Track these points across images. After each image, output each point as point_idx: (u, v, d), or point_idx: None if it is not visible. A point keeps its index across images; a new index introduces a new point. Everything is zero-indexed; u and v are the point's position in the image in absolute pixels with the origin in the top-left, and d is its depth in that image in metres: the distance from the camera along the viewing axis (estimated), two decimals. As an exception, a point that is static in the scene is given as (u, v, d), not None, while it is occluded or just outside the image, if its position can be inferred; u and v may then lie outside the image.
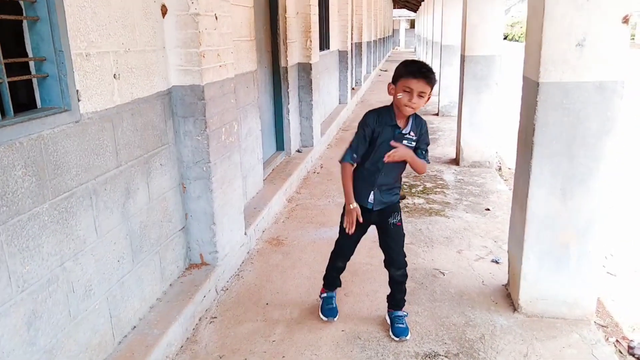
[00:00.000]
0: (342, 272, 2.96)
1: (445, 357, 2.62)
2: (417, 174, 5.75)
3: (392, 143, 2.46)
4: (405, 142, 2.51)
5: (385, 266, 2.80)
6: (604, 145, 2.63)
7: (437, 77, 2.48)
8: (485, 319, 2.93)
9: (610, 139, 2.62)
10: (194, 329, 2.87)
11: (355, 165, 2.60)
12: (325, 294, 3.00)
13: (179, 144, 3.05)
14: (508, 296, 3.16)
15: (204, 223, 3.19)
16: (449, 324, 2.89)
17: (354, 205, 2.58)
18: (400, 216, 2.72)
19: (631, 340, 2.75)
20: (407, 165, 2.58)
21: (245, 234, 3.77)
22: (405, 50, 45.98)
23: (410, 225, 4.36)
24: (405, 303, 2.87)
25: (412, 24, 51.00)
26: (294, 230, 4.30)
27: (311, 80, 6.43)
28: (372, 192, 2.61)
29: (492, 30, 5.86)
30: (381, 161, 2.51)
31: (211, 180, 3.11)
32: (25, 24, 1.98)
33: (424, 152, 2.59)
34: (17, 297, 1.83)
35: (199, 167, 3.08)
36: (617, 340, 2.77)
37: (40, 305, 1.94)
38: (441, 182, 5.64)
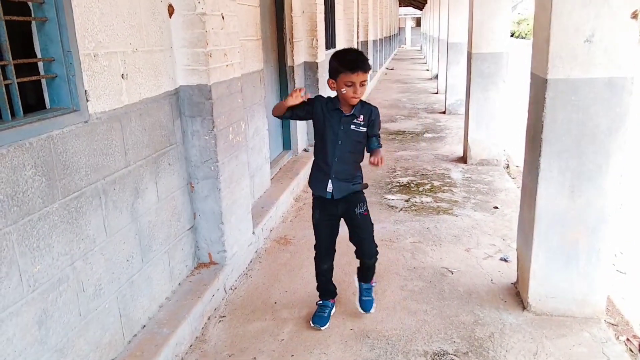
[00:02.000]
0: (330, 275, 2.97)
1: (455, 355, 2.61)
2: (422, 173, 5.78)
3: (371, 160, 2.52)
4: (352, 126, 2.57)
5: (358, 257, 2.88)
6: (613, 142, 2.61)
7: (370, 64, 2.59)
8: (495, 318, 2.92)
9: (620, 136, 2.60)
10: (203, 328, 2.88)
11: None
12: (320, 302, 2.99)
13: (186, 143, 3.06)
14: (517, 294, 3.14)
15: (212, 222, 3.19)
16: (458, 323, 2.88)
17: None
18: (367, 206, 2.76)
19: (642, 338, 2.73)
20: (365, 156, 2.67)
21: (253, 233, 3.78)
22: (411, 48, 45.84)
23: (418, 223, 4.35)
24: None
25: (418, 22, 50.85)
26: (302, 229, 4.30)
27: (318, 79, 6.42)
28: (329, 180, 2.64)
29: (499, 27, 5.83)
30: (331, 146, 2.59)
31: (219, 179, 3.11)
32: (33, 25, 1.99)
33: (378, 139, 2.64)
34: (28, 297, 1.84)
35: (206, 166, 3.09)
36: (627, 339, 2.75)
37: (51, 305, 1.95)
38: (449, 180, 5.62)
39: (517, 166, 6.12)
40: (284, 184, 4.97)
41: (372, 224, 2.82)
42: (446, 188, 5.34)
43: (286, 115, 2.64)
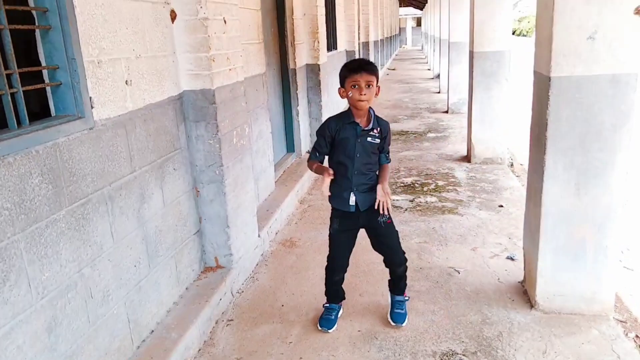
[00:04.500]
0: (341, 283, 2.93)
1: (464, 355, 2.61)
2: (427, 173, 5.77)
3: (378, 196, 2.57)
4: (369, 139, 2.58)
5: (387, 266, 2.85)
6: (618, 139, 2.60)
7: (377, 68, 2.61)
8: (502, 317, 2.91)
9: (625, 133, 2.59)
10: (211, 332, 2.89)
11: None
12: (327, 304, 2.97)
13: (191, 148, 3.06)
14: (524, 293, 3.13)
15: (218, 226, 3.20)
16: (466, 322, 2.88)
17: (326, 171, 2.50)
18: (390, 213, 2.71)
19: (651, 335, 2.72)
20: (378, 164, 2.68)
21: (259, 236, 3.78)
22: (412, 48, 45.82)
23: (423, 224, 4.34)
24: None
25: (419, 22, 50.85)
26: (307, 232, 4.31)
27: (320, 81, 6.43)
28: (351, 193, 2.62)
29: (500, 26, 5.83)
30: (350, 160, 2.57)
31: (224, 183, 3.12)
32: (37, 33, 2.00)
33: (387, 155, 2.70)
34: (37, 304, 1.85)
35: (211, 170, 3.09)
36: (636, 336, 2.73)
37: (59, 312, 1.96)
38: (453, 179, 5.61)
39: (521, 164, 6.11)
40: (288, 186, 4.97)
41: (397, 231, 2.79)
42: (451, 187, 5.33)
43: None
